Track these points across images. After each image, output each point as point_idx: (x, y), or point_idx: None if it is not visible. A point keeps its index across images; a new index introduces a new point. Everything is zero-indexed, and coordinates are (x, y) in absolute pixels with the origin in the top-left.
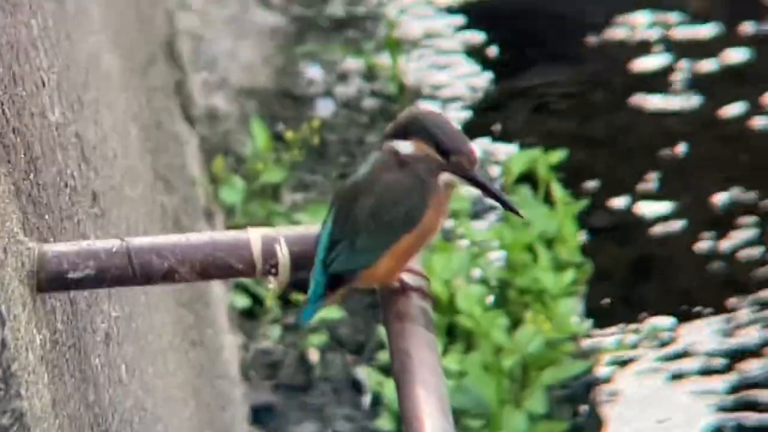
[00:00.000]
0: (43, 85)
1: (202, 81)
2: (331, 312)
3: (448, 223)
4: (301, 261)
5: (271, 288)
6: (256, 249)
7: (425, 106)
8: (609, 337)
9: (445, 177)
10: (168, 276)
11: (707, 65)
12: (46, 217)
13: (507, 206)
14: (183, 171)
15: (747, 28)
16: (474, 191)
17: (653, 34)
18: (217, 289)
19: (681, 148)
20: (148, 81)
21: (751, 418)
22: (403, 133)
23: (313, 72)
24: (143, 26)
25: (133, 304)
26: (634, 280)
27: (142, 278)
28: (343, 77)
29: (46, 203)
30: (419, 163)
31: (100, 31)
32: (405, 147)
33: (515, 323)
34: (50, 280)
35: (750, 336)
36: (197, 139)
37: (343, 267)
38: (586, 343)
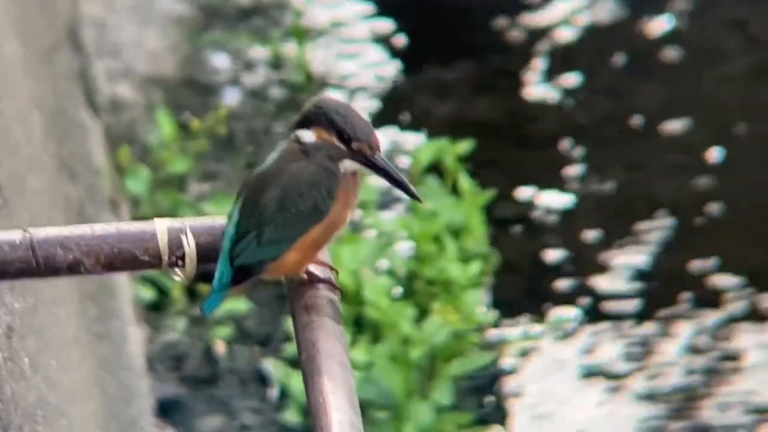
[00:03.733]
0: None
1: (107, 69)
2: (238, 304)
3: (356, 214)
4: (207, 252)
5: (177, 280)
6: (163, 240)
7: (330, 95)
8: (515, 329)
9: (347, 164)
10: (73, 268)
11: (614, 57)
12: None
13: (409, 193)
14: (87, 160)
15: (654, 24)
16: (380, 181)
17: (560, 23)
18: (123, 280)
19: (587, 140)
20: (51, 68)
21: (657, 408)
22: (306, 122)
23: (220, 60)
24: (46, 12)
25: (37, 296)
26: (540, 272)
27: (46, 270)
28: (249, 66)
29: None
30: (322, 151)
31: (2, 18)
32: (308, 135)
33: (422, 314)
34: None
35: (655, 328)
36: (102, 128)
37: (250, 259)
38: (492, 334)
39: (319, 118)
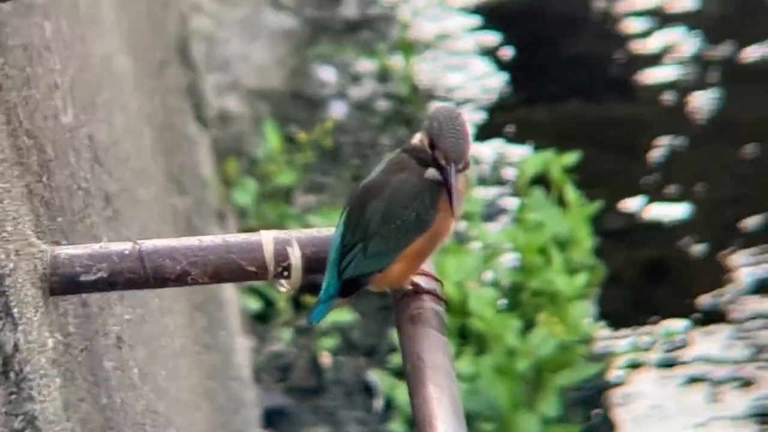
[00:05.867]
0: (57, 86)
1: (215, 82)
2: (343, 315)
3: (461, 225)
4: (313, 263)
5: (283, 291)
6: (269, 251)
7: (451, 105)
8: (622, 340)
9: (431, 172)
10: (180, 279)
11: (720, 65)
12: (59, 219)
13: (452, 205)
14: (195, 172)
15: (756, 28)
16: (486, 191)
17: (667, 37)
18: (230, 291)
19: (696, 150)
20: (161, 82)
21: (764, 424)
22: (424, 125)
23: (326, 74)
24: (156, 28)
25: (146, 306)
26: (648, 283)
27: (154, 281)
28: (356, 79)
29: (59, 205)
30: (415, 154)
31: (114, 32)
32: (416, 138)
33: (528, 326)
34: (63, 283)
35: (765, 341)
36: (210, 141)
37: (356, 271)
38: (599, 346)
39: (428, 123)
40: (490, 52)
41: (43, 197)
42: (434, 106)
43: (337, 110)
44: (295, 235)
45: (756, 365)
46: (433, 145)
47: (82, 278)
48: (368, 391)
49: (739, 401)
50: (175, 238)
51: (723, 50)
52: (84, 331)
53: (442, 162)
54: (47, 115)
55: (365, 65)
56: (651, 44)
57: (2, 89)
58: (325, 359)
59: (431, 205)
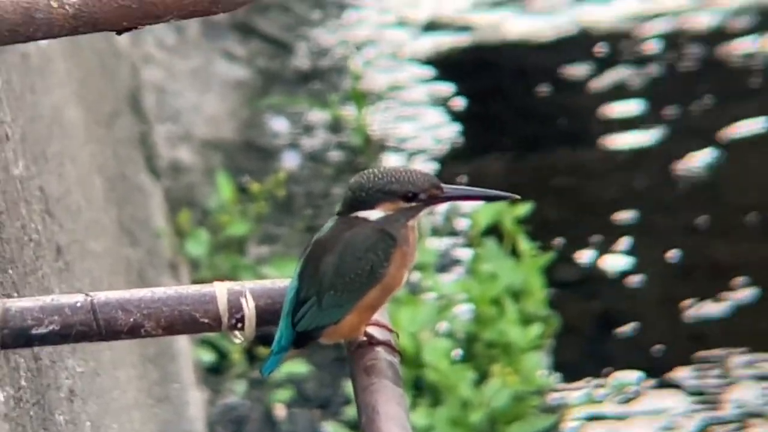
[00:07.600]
0: (7, 138)
1: (167, 133)
2: (298, 367)
3: (415, 276)
4: (267, 315)
5: (236, 342)
6: (222, 303)
7: (360, 174)
8: (576, 392)
9: (419, 216)
10: (133, 331)
11: (672, 117)
12: (10, 271)
13: (498, 197)
14: (148, 224)
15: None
16: (439, 242)
17: (618, 86)
18: (183, 343)
19: (646, 202)
20: (112, 133)
21: None
22: (363, 204)
23: (279, 124)
24: (108, 79)
25: (98, 359)
26: (601, 335)
27: (107, 333)
28: (308, 129)
29: (9, 257)
30: (394, 217)
31: (65, 83)
32: (375, 214)
33: (482, 377)
34: (14, 336)
35: (716, 392)
36: (162, 192)
37: (310, 324)
38: (552, 397)
39: (377, 195)
40: (442, 103)
41: None
42: (352, 187)
43: (290, 161)
44: (248, 286)
45: (708, 415)
46: (411, 197)
47: (34, 331)
48: None
49: None
50: (127, 289)
51: (671, 106)
52: (36, 384)
53: (437, 192)
54: None
55: (317, 116)
56: (603, 94)
57: None
58: (280, 411)
59: (384, 257)
